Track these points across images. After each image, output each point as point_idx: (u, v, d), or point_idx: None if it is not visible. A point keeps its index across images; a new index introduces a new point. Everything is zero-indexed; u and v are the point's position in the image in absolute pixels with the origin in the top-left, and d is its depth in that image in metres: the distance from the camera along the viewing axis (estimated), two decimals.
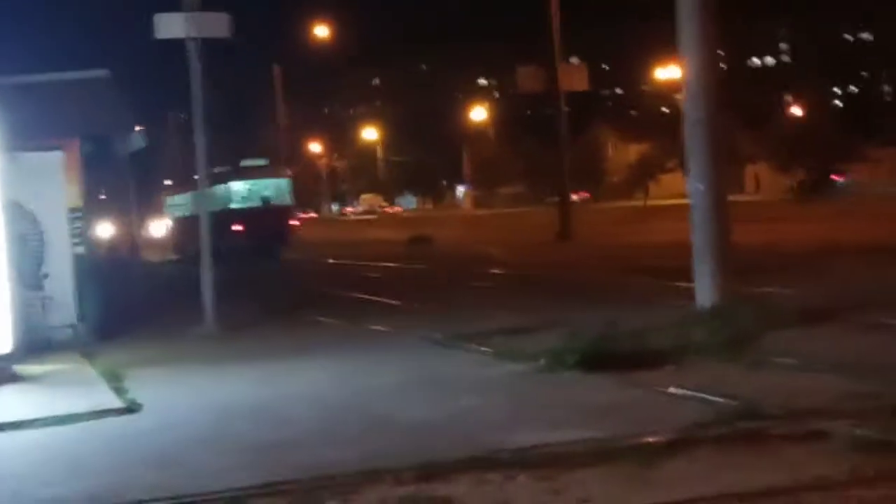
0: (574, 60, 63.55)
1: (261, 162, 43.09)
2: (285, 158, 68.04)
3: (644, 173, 76.15)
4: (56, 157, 15.22)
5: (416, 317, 16.59)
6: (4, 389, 11.40)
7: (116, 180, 47.20)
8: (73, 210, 15.56)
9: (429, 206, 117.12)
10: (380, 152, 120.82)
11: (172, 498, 6.94)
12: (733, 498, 6.28)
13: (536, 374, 10.63)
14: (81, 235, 15.62)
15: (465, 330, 13.69)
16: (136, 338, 15.81)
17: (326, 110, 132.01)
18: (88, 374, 12.14)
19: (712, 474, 6.72)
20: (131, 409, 9.98)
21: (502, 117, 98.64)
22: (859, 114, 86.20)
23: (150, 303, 22.19)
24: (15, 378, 11.86)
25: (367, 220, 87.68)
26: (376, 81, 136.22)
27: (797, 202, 56.64)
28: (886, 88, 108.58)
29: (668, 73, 67.29)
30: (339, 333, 15.32)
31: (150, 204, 60.40)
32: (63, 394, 10.87)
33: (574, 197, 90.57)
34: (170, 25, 16.16)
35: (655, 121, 79.16)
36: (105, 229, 57.84)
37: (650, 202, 67.92)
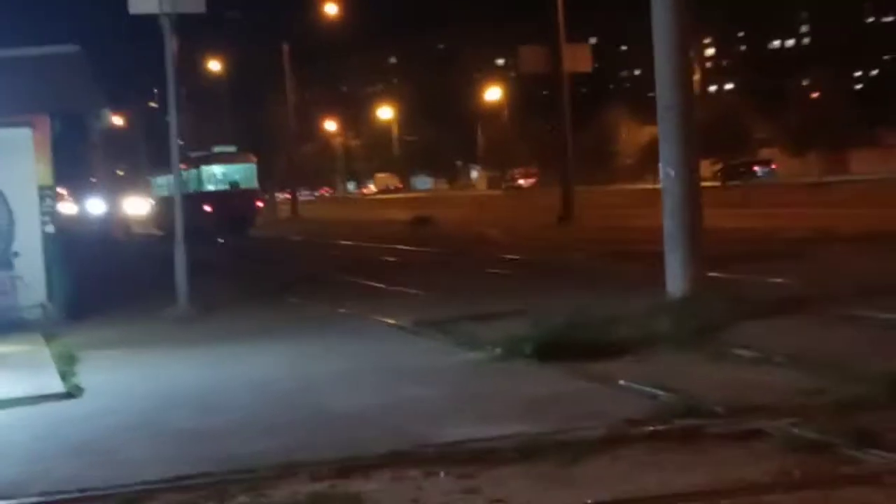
0: (592, 41, 63.00)
1: (231, 149, 47.61)
2: (294, 136, 68.50)
3: (655, 156, 75.45)
4: (25, 133, 15.04)
5: (394, 300, 16.39)
6: None
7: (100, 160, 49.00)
8: (43, 188, 15.36)
9: (443, 186, 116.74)
10: (395, 131, 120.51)
11: (79, 490, 6.75)
12: (649, 501, 6.05)
13: (490, 363, 10.42)
14: (51, 213, 15.41)
15: (435, 316, 13.46)
16: (108, 318, 15.69)
17: (345, 88, 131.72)
18: (42, 356, 11.97)
19: (634, 474, 6.47)
20: (71, 394, 9.82)
21: (515, 98, 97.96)
22: (877, 98, 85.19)
23: (131, 280, 22.03)
24: None
25: (381, 200, 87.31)
26: (393, 60, 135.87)
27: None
28: None
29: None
30: (309, 316, 15.12)
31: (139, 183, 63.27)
32: (8, 377, 10.69)
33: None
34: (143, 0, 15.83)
35: None
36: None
37: (659, 185, 67.16)
